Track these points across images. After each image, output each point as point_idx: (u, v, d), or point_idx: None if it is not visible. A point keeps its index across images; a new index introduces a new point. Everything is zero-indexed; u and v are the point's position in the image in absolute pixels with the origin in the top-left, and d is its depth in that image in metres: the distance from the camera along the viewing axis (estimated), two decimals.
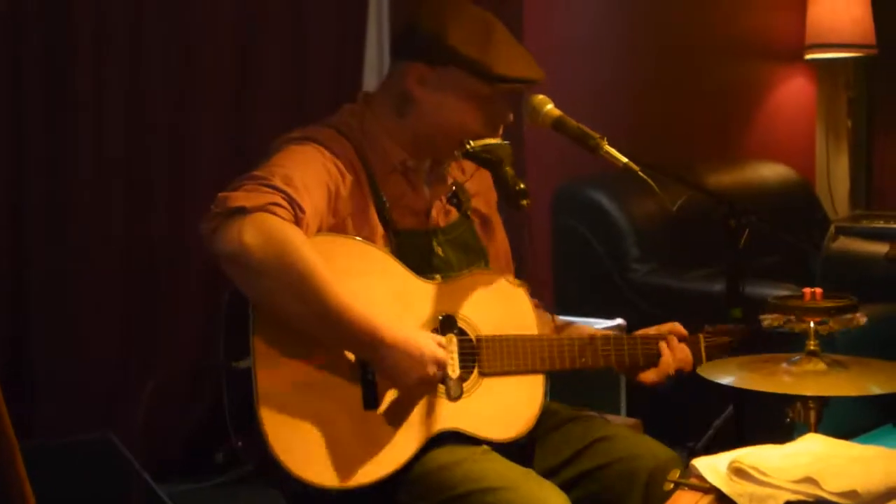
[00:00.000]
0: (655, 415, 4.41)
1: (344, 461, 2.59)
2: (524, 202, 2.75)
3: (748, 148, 6.65)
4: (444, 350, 2.67)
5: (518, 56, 2.82)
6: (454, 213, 2.95)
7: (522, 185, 2.76)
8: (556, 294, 5.49)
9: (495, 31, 2.81)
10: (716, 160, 6.14)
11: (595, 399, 4.36)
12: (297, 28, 4.68)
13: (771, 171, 6.26)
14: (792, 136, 6.96)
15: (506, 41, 2.82)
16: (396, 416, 2.66)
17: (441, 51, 2.77)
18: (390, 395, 2.65)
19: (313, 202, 2.62)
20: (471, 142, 2.79)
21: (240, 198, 2.52)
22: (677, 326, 3.08)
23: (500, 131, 2.86)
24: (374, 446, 2.63)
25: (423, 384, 2.65)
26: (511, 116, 2.87)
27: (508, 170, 2.78)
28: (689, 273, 5.29)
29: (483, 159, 2.81)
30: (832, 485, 2.27)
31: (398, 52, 2.90)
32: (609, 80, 5.85)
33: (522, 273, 3.06)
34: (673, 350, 3.02)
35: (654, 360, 3.02)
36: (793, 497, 2.29)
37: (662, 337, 3.04)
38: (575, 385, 4.11)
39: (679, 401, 4.09)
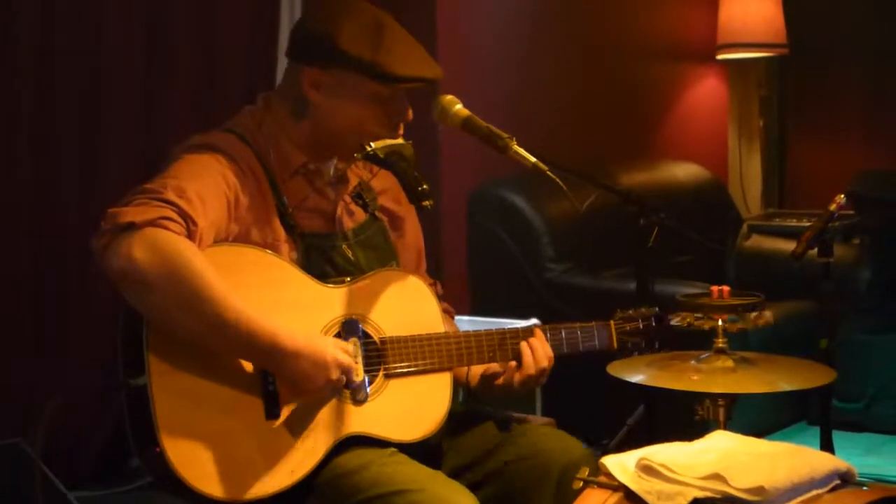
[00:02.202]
0: (570, 414, 4.43)
1: (248, 473, 2.58)
2: (426, 203, 2.74)
3: (662, 148, 6.69)
4: (348, 354, 2.66)
5: (413, 54, 2.79)
6: (361, 214, 2.94)
7: (426, 186, 2.74)
8: (472, 294, 5.49)
9: (388, 30, 2.77)
10: (630, 160, 6.17)
11: (510, 399, 4.36)
12: (207, 23, 4.64)
13: (684, 171, 6.31)
14: (705, 136, 7.02)
15: (400, 39, 2.79)
16: (300, 425, 2.64)
17: (333, 54, 2.74)
18: (292, 404, 2.63)
19: (208, 214, 2.59)
20: (371, 143, 2.78)
21: (130, 213, 2.49)
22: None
23: (401, 130, 2.84)
24: (278, 456, 2.61)
25: (327, 389, 2.63)
26: (410, 114, 2.85)
27: (410, 170, 2.77)
28: (603, 272, 5.32)
29: (383, 161, 2.79)
30: (739, 481, 2.29)
31: (292, 55, 2.87)
32: (523, 80, 5.86)
33: (439, 272, 3.05)
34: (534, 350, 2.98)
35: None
36: (700, 494, 2.31)
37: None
38: None
39: (593, 399, 4.11)
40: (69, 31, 4.30)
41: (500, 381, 2.94)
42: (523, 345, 2.92)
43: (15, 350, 4.28)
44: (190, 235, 2.52)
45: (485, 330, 2.94)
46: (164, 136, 4.45)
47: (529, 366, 2.90)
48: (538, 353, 2.92)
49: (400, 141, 2.81)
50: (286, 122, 2.82)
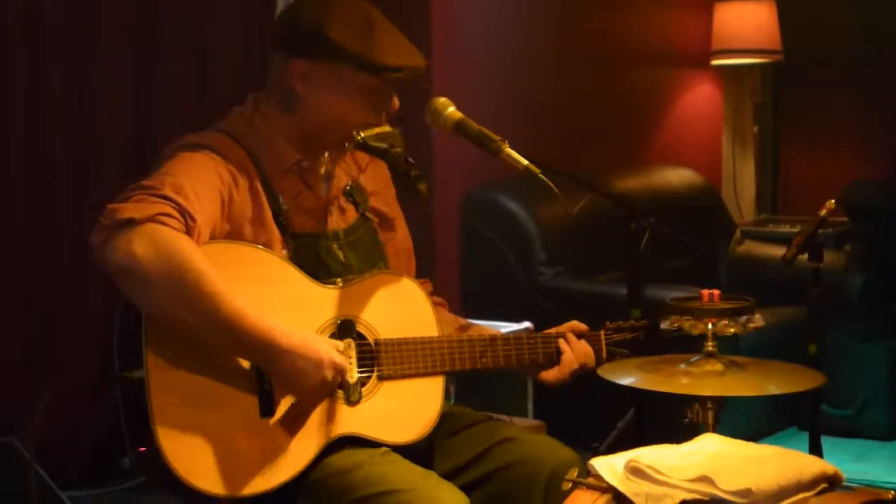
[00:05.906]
0: (561, 416, 4.44)
1: (240, 470, 2.59)
2: (421, 186, 2.76)
3: (655, 153, 6.70)
4: (342, 354, 2.67)
5: (400, 45, 2.81)
6: (352, 213, 2.94)
7: (418, 171, 2.77)
8: (464, 297, 5.50)
9: (375, 22, 2.79)
10: (623, 165, 6.18)
11: (502, 401, 4.38)
12: (199, 21, 4.64)
13: (678, 177, 6.33)
14: (699, 142, 7.02)
15: (387, 30, 2.80)
16: (294, 423, 2.65)
17: (322, 45, 2.75)
18: (287, 403, 2.63)
19: (205, 210, 2.60)
20: (360, 132, 2.79)
21: (129, 209, 2.50)
22: (577, 324, 3.10)
23: (386, 119, 2.85)
24: (271, 454, 2.62)
25: (321, 388, 2.64)
26: (396, 103, 2.86)
27: (402, 156, 2.78)
28: (595, 276, 5.33)
29: (374, 149, 2.81)
30: (727, 483, 2.30)
31: (279, 48, 2.86)
32: (516, 84, 5.86)
33: (430, 271, 3.05)
34: (573, 347, 3.04)
35: (554, 358, 3.04)
36: (688, 496, 2.31)
37: (562, 335, 3.06)
38: (482, 387, 4.12)
39: (584, 402, 4.11)
40: (59, 31, 4.30)
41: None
42: (562, 342, 3.03)
43: (5, 348, 4.28)
44: (188, 231, 2.54)
45: (478, 335, 2.97)
46: (154, 135, 4.46)
47: (571, 362, 3.03)
48: (577, 349, 3.04)
49: (387, 128, 2.83)
50: (277, 118, 2.83)
